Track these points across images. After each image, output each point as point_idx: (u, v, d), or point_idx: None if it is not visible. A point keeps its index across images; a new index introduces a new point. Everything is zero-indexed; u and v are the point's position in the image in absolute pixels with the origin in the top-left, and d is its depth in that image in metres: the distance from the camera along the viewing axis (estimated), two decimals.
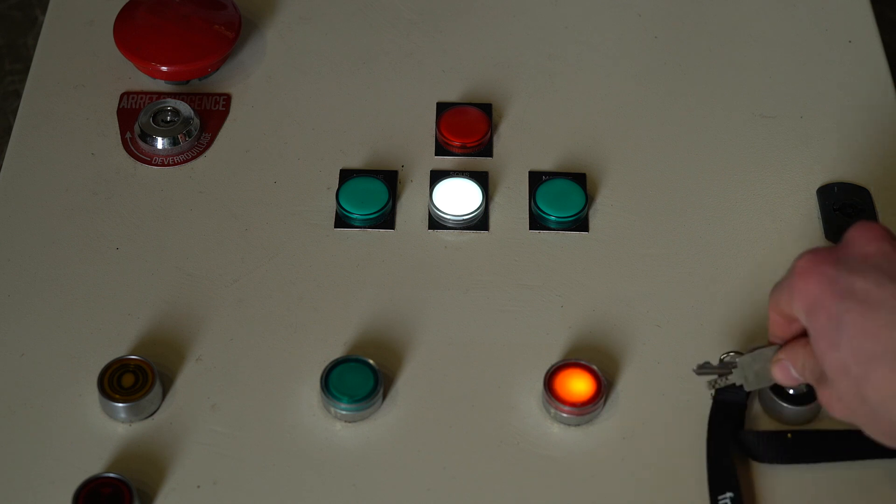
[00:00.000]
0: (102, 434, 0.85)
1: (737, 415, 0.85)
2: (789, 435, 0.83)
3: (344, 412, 0.85)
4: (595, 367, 0.87)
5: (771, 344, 0.85)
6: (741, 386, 0.82)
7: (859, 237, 0.71)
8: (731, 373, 0.82)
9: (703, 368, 0.82)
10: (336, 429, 0.86)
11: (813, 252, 0.71)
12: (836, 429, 0.84)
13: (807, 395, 0.85)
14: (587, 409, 0.85)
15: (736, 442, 0.84)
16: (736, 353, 0.85)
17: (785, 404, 0.85)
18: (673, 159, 1.00)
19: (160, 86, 1.04)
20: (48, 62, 1.06)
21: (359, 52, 1.07)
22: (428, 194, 0.97)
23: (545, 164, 0.99)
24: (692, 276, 0.93)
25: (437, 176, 0.98)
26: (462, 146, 1.00)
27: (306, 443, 0.85)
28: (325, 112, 1.03)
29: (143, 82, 1.04)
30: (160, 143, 0.99)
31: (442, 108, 1.03)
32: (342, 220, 0.96)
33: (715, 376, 0.83)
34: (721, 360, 0.83)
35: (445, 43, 1.08)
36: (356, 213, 0.95)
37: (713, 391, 0.84)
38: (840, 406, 0.72)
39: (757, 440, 0.83)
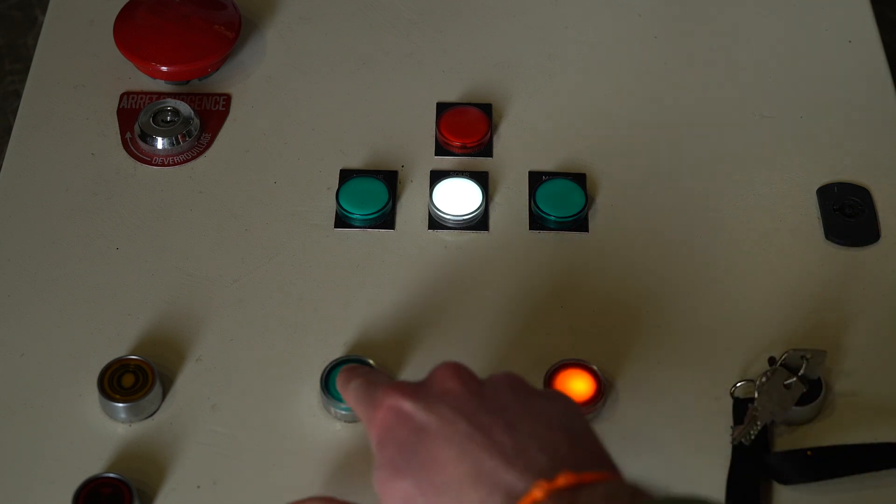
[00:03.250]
0: (102, 434, 0.85)
1: (762, 439, 0.85)
2: (809, 452, 0.83)
3: (344, 412, 0.85)
4: (595, 367, 0.87)
5: (770, 360, 0.85)
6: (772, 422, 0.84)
7: (440, 375, 0.74)
8: (758, 419, 0.83)
9: (740, 433, 0.83)
10: (336, 429, 0.86)
11: (395, 387, 0.74)
12: (854, 443, 0.84)
13: (808, 395, 0.85)
14: (587, 409, 0.85)
15: (759, 467, 0.83)
16: (747, 399, 0.85)
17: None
18: (673, 159, 1.00)
19: (160, 86, 1.04)
20: (48, 62, 1.06)
21: (359, 52, 1.07)
22: (428, 194, 0.97)
23: (545, 164, 0.99)
24: (692, 276, 0.93)
25: (437, 176, 0.98)
26: (462, 146, 1.00)
27: (306, 443, 0.85)
28: (325, 112, 1.03)
29: (143, 82, 1.04)
30: (160, 143, 0.99)
31: (442, 108, 1.03)
32: (342, 220, 0.96)
33: (749, 431, 0.83)
34: (747, 410, 0.84)
35: (445, 43, 1.08)
36: (356, 213, 0.95)
37: (747, 439, 0.84)
38: None
39: (780, 461, 0.83)
